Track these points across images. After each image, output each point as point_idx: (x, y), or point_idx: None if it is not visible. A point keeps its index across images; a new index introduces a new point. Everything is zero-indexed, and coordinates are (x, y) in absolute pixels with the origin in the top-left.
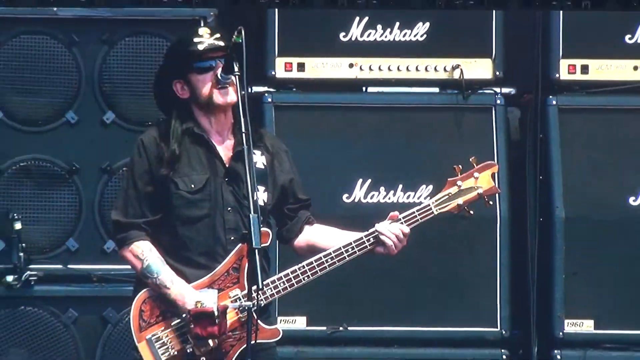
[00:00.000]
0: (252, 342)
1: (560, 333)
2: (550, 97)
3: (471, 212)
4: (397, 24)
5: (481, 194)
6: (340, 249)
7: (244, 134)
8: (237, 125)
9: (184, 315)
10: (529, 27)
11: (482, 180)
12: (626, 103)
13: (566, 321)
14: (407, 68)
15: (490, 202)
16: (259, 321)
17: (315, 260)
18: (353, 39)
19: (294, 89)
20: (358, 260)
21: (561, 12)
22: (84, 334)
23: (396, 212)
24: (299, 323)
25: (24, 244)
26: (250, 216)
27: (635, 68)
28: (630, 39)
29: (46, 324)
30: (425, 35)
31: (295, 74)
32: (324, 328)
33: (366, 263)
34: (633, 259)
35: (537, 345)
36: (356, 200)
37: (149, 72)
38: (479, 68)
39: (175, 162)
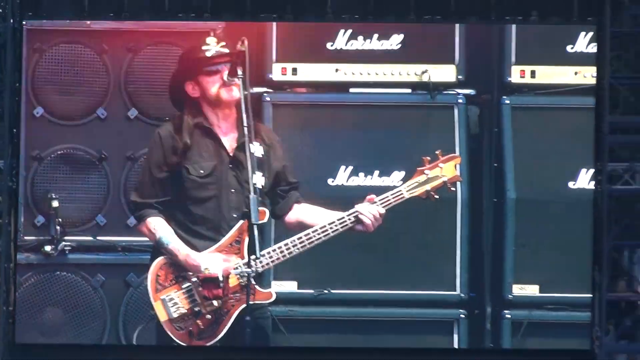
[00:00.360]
0: (250, 302)
1: (510, 296)
2: (504, 97)
3: (437, 196)
4: (376, 35)
5: (445, 182)
6: (325, 225)
7: (245, 128)
8: (240, 120)
9: (193, 280)
10: (487, 38)
11: (447, 170)
12: (568, 102)
13: (515, 286)
14: (384, 72)
15: (453, 189)
16: (256, 285)
17: (305, 235)
18: (338, 48)
19: (289, 90)
20: (341, 234)
21: (514, 25)
22: (109, 295)
23: (373, 195)
24: (291, 287)
25: (60, 219)
26: (250, 197)
27: (576, 73)
28: (571, 48)
29: (78, 286)
30: (399, 45)
31: (289, 77)
32: (312, 291)
33: (348, 237)
34: (572, 234)
35: (490, 306)
36: (339, 183)
37: (166, 75)
38: (444, 72)
39: (187, 151)
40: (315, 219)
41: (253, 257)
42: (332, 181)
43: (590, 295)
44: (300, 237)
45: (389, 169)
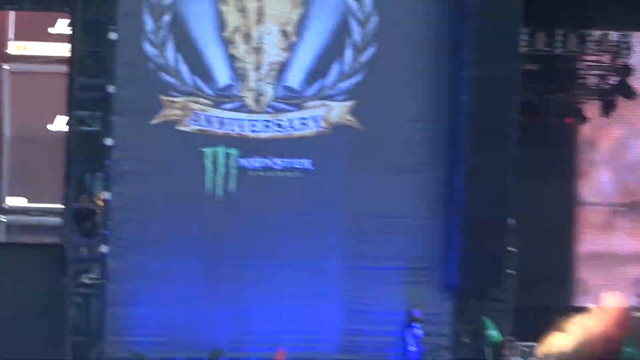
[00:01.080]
0: None
1: (4, 205)
2: (4, 64)
3: None
4: None
5: None
6: None
7: None
8: None
9: None
10: None
11: None
12: (52, 69)
13: (8, 198)
14: None
15: None
16: None
17: None
18: None
19: None
20: None
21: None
22: None
23: None
24: None
25: None
26: None
27: (58, 48)
28: (54, 29)
29: None
30: None
31: None
32: None
33: None
34: (52, 164)
35: None
36: None
37: None
38: None
39: None
40: None
41: None
42: None
43: (63, 206)
44: None
45: None
